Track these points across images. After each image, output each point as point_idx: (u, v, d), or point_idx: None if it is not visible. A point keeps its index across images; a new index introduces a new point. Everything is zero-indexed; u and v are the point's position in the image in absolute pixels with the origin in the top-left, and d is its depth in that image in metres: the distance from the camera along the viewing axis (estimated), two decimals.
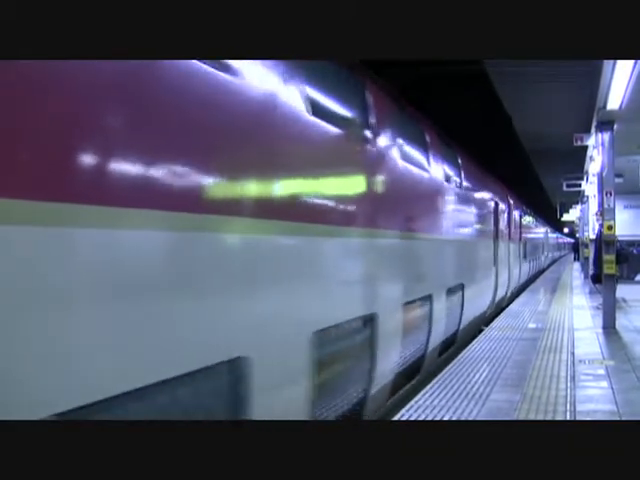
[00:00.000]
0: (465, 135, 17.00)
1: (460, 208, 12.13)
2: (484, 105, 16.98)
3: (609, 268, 12.53)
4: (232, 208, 4.06)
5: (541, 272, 35.24)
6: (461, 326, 11.87)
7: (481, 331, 12.81)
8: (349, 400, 6.22)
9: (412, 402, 6.90)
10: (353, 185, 6.56)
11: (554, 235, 55.55)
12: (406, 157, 8.34)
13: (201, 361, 3.52)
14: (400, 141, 8.11)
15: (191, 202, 3.61)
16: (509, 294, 18.95)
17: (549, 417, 6.21)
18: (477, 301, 13.46)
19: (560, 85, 12.54)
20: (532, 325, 13.09)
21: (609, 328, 12.32)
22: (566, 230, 74.06)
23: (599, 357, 9.56)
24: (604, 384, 7.75)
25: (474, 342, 10.94)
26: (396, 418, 6.32)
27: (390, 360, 7.38)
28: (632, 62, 8.58)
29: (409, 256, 8.44)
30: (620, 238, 14.10)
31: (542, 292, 21.93)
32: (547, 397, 7.00)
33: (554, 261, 53.08)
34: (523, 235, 23.66)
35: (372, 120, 7.03)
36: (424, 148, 9.68)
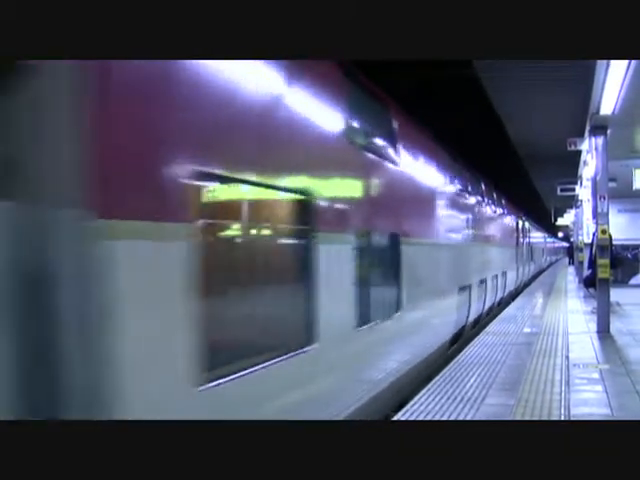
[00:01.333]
0: (460, 140, 17.06)
1: (509, 230, 23.99)
2: (477, 111, 17.04)
3: (603, 272, 12.55)
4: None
5: (542, 271, 43.37)
6: (506, 292, 21.24)
7: (509, 303, 20.35)
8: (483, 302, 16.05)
9: (407, 406, 6.91)
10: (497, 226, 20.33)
11: (551, 240, 63.76)
12: (506, 212, 22.80)
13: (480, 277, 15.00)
14: (499, 209, 21.48)
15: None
16: (522, 283, 28.04)
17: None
18: (511, 281, 22.99)
19: (553, 90, 12.59)
20: (527, 329, 13.12)
21: (603, 332, 12.33)
22: (560, 234, 74.18)
23: (594, 361, 9.58)
24: (599, 388, 7.76)
25: (468, 347, 10.96)
26: (393, 419, 6.33)
27: (496, 295, 18.32)
28: (625, 67, 8.62)
29: (496, 255, 19.17)
30: (614, 242, 14.14)
31: (537, 296, 22.01)
32: (542, 401, 7.01)
33: (551, 264, 59.27)
34: (530, 241, 33.02)
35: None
36: (507, 206, 23.54)
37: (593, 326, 12.89)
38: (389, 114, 8.78)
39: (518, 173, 25.25)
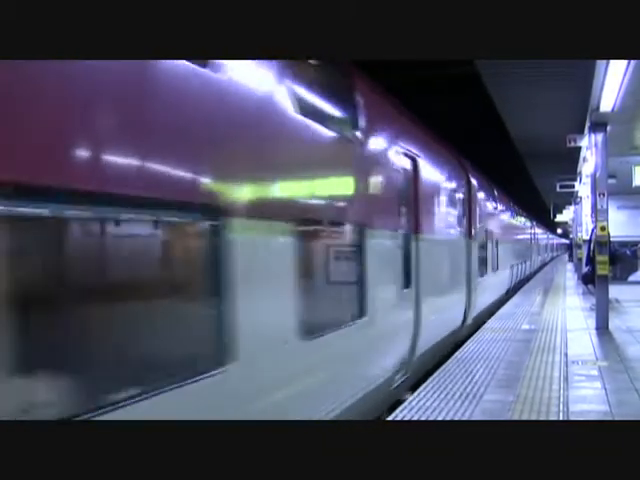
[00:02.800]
0: (459, 136, 17.06)
1: (527, 232, 34.83)
2: (478, 107, 17.03)
3: (602, 269, 12.55)
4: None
5: (546, 264, 52.69)
6: (526, 273, 30.23)
7: (528, 280, 30.06)
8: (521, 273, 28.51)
9: (406, 403, 6.92)
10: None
11: (552, 236, 72.54)
12: (526, 219, 35.71)
13: (512, 263, 24.31)
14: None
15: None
16: (534, 270, 36.98)
17: (542, 417, 6.23)
18: (528, 266, 32.17)
19: (553, 87, 12.58)
20: (525, 326, 13.12)
21: (602, 329, 12.35)
22: (560, 231, 74.29)
23: (592, 358, 9.59)
24: (597, 385, 7.78)
25: (467, 343, 10.98)
26: (390, 418, 6.34)
27: (522, 274, 28.92)
28: (624, 64, 8.62)
29: (521, 249, 29.98)
30: (613, 239, 14.16)
31: (536, 293, 22.03)
32: (540, 398, 7.01)
33: (553, 258, 68.60)
34: (539, 239, 43.80)
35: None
36: (527, 214, 35.84)
37: (592, 323, 12.91)
38: (493, 189, 18.99)
39: (518, 169, 25.26)
